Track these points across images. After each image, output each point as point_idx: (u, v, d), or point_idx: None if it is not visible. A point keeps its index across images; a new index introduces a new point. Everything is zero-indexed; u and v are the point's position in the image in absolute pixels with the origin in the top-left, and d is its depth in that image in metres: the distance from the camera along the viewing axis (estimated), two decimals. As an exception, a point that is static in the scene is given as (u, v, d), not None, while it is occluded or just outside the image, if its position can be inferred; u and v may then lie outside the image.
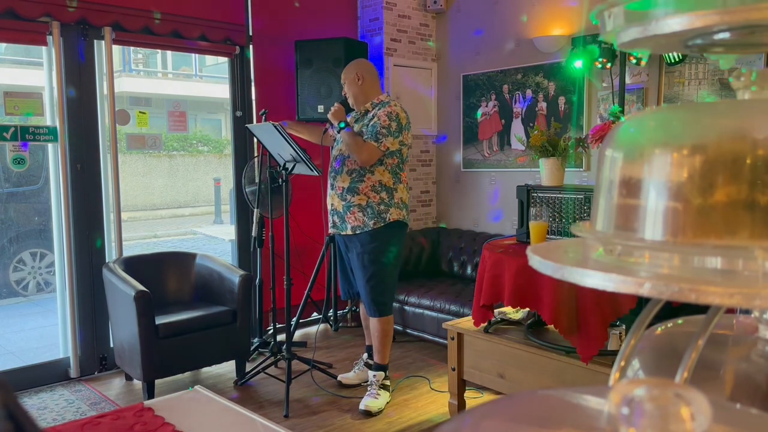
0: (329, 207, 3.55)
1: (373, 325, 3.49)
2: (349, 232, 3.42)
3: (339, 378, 3.73)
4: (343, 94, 3.58)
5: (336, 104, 3.40)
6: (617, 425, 0.47)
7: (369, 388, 3.47)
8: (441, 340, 4.11)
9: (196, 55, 10.88)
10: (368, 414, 3.32)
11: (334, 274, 4.76)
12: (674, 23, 0.60)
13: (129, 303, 3.35)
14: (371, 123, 3.36)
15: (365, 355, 3.79)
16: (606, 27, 0.72)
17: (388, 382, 3.53)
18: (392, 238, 3.41)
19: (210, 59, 13.42)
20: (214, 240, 10.68)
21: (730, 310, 0.77)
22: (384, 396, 3.45)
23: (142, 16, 3.99)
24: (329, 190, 3.54)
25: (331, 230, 3.58)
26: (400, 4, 5.11)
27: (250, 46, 4.56)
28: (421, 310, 4.41)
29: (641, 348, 0.81)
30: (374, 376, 3.49)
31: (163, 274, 3.97)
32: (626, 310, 2.51)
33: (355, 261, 3.46)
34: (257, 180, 4.19)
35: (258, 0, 4.55)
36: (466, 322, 3.18)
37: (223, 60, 4.70)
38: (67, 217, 3.85)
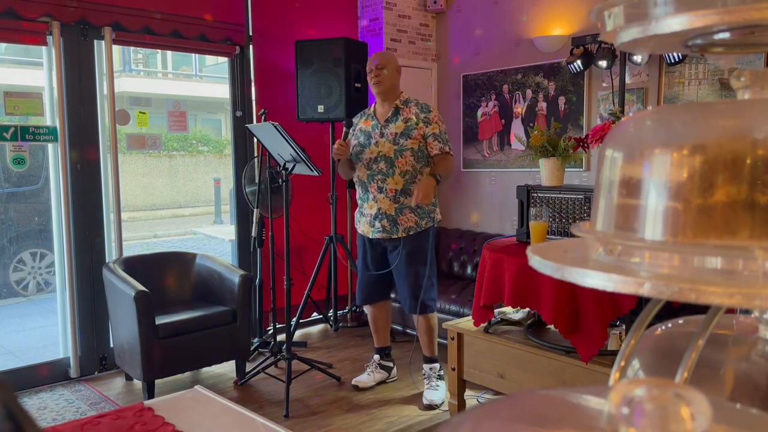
0: (373, 212, 3.42)
1: (422, 322, 3.52)
2: (402, 234, 3.40)
3: (354, 382, 3.69)
4: (376, 77, 3.37)
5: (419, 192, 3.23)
6: (617, 425, 0.47)
7: (427, 382, 3.54)
8: (441, 340, 4.10)
9: (196, 55, 10.88)
10: (431, 408, 3.39)
11: (334, 274, 4.76)
12: (674, 23, 0.60)
13: (129, 303, 3.35)
14: (432, 131, 3.34)
15: (377, 357, 3.80)
16: (606, 27, 0.72)
17: (442, 372, 3.59)
18: (432, 236, 3.49)
19: (210, 59, 13.41)
20: (214, 240, 10.67)
21: (730, 310, 0.77)
22: (443, 386, 3.52)
23: (142, 16, 3.99)
24: (374, 194, 3.42)
25: (375, 236, 3.46)
26: (400, 4, 5.11)
27: (250, 46, 4.56)
28: (421, 310, 4.40)
29: (641, 348, 0.81)
30: (430, 368, 3.57)
31: (163, 274, 3.97)
32: (626, 310, 2.51)
33: (402, 262, 3.42)
34: (257, 180, 4.19)
35: (258, 0, 4.55)
36: (466, 322, 3.18)
37: (223, 60, 4.70)
38: (67, 217, 3.85)
